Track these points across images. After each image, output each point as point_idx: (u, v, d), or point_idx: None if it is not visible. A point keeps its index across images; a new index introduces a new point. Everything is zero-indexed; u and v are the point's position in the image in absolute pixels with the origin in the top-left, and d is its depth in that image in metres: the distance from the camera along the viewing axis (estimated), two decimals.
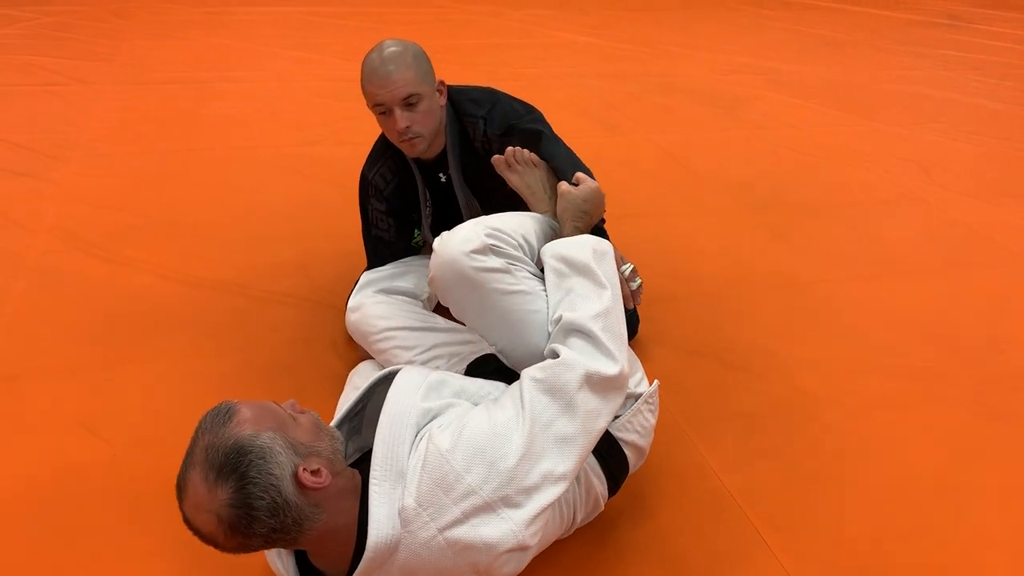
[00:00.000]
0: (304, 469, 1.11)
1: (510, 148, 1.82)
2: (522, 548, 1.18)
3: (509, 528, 1.16)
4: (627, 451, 1.51)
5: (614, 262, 1.50)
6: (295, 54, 4.57)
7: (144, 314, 2.20)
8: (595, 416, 1.28)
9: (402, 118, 1.80)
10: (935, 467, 1.82)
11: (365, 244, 2.13)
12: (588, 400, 1.27)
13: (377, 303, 1.93)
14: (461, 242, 1.48)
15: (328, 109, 3.77)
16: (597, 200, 1.67)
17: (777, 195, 3.19)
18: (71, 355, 2.02)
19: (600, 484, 1.48)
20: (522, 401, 1.25)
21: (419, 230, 2.15)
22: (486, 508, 1.16)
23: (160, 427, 1.81)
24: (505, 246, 1.51)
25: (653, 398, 1.57)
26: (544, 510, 1.20)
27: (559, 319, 1.38)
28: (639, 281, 1.70)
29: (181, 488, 1.10)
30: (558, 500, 1.27)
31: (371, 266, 2.09)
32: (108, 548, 1.51)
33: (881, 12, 6.70)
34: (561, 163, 1.81)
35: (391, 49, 1.79)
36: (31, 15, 4.92)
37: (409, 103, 1.80)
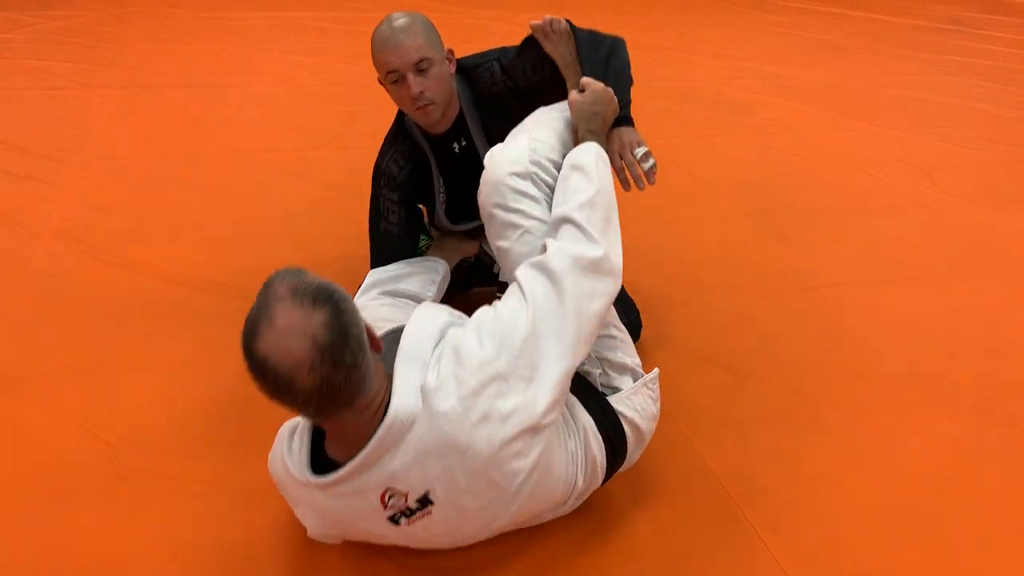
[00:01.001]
0: (367, 328, 1.22)
1: (548, 17, 1.85)
2: (534, 429, 1.27)
3: (523, 401, 1.27)
4: (626, 427, 1.55)
5: (607, 165, 1.60)
6: (298, 58, 4.58)
7: (147, 317, 2.20)
8: (587, 297, 1.37)
9: (415, 83, 1.83)
10: (937, 472, 1.82)
11: (372, 240, 2.13)
12: (578, 282, 1.37)
13: (381, 305, 1.94)
14: (509, 163, 1.58)
15: (331, 113, 3.78)
16: (605, 100, 1.70)
17: (781, 200, 3.19)
18: (74, 357, 2.03)
19: (598, 449, 1.50)
20: (522, 291, 1.36)
21: (432, 216, 2.15)
22: (501, 379, 1.26)
23: (161, 429, 1.81)
24: (543, 174, 1.58)
25: (653, 384, 1.61)
26: (555, 390, 1.29)
27: (555, 216, 1.49)
28: (652, 161, 1.74)
29: (260, 322, 1.12)
30: (561, 447, 1.40)
31: (375, 265, 2.09)
32: (108, 549, 1.51)
33: (883, 17, 6.70)
34: (583, 59, 1.83)
35: (400, 19, 1.83)
36: (35, 19, 4.93)
37: (421, 68, 1.83)
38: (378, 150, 2.14)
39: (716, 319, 2.37)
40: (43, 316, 2.18)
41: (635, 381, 1.60)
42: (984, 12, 7.13)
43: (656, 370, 1.64)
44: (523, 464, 1.29)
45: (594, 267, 1.40)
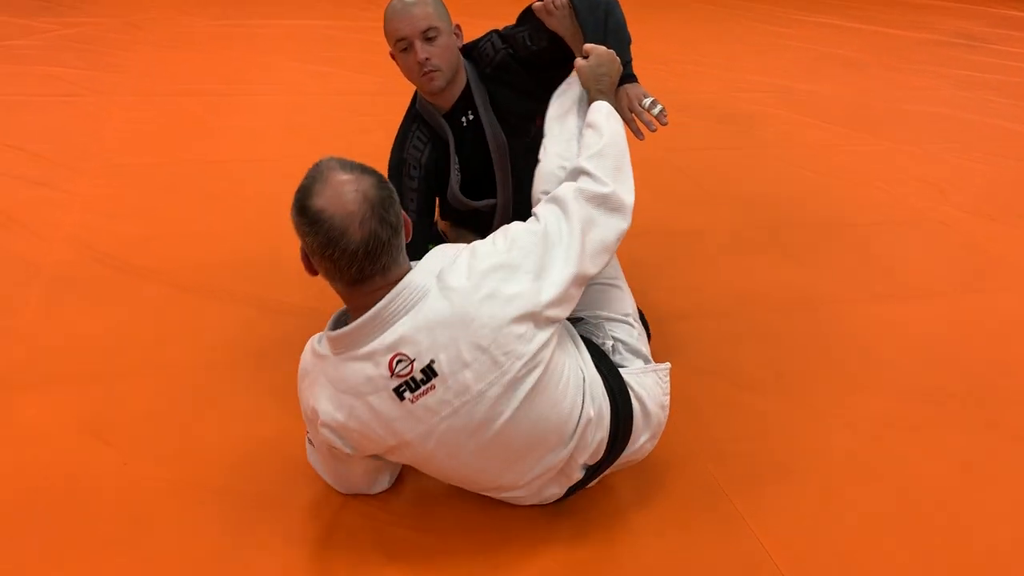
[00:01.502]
0: (403, 212, 1.40)
1: None
2: (535, 317, 1.39)
3: (528, 288, 1.40)
4: (632, 398, 1.59)
5: (618, 120, 1.73)
6: (311, 67, 4.60)
7: (158, 324, 2.21)
8: (593, 224, 1.52)
9: (422, 50, 1.94)
10: (945, 488, 1.81)
11: None
12: (584, 208, 1.52)
13: None
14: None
15: (343, 123, 3.79)
16: (608, 62, 1.82)
17: (790, 214, 3.18)
18: (85, 364, 2.04)
19: (605, 403, 1.53)
20: (535, 215, 1.53)
21: (447, 194, 2.21)
22: (508, 268, 1.41)
23: (171, 436, 1.82)
24: None
25: (663, 374, 1.68)
26: (561, 291, 1.42)
27: (570, 168, 1.64)
28: (660, 107, 1.88)
29: (316, 183, 1.32)
30: (568, 364, 1.49)
31: None
32: (117, 555, 1.52)
33: (896, 31, 6.69)
34: (584, 24, 1.93)
35: None
36: (49, 26, 4.97)
37: (428, 36, 1.94)
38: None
39: (723, 332, 2.36)
40: (54, 322, 2.19)
41: (645, 364, 1.68)
42: (998, 27, 7.11)
43: (667, 364, 1.69)
44: (524, 349, 1.38)
45: (600, 200, 1.54)
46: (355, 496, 1.67)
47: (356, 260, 1.31)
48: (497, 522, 1.63)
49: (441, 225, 2.40)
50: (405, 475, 1.72)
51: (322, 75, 4.48)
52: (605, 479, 1.71)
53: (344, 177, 1.32)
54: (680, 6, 7.02)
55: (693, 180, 3.41)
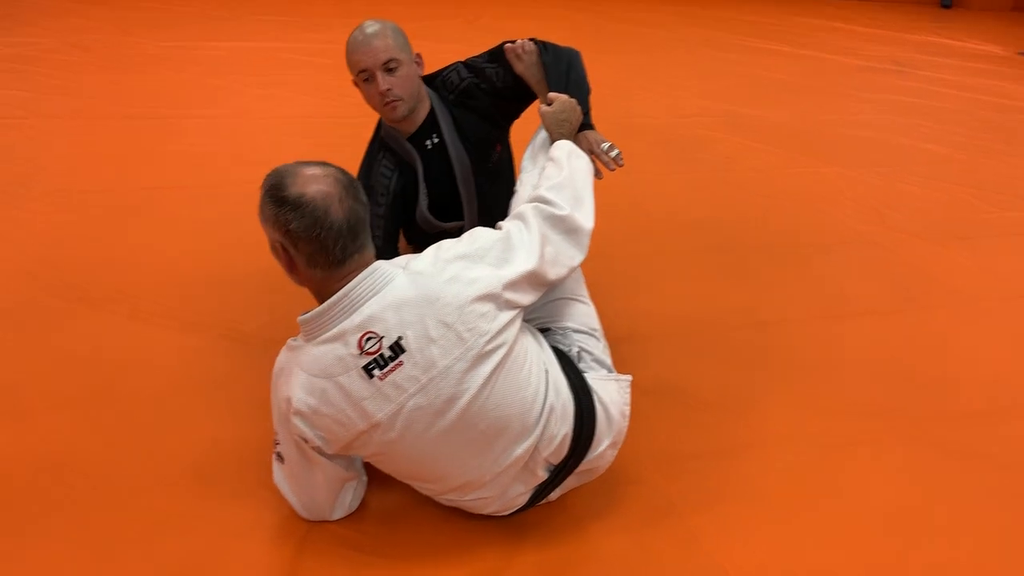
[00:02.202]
0: None
1: (519, 40, 2.10)
2: (495, 298, 1.50)
3: (490, 273, 1.52)
4: (595, 400, 1.66)
5: (580, 157, 1.88)
6: (260, 91, 4.59)
7: (114, 354, 2.19)
8: (547, 240, 1.64)
9: (383, 80, 2.01)
10: (890, 503, 1.88)
11: None
12: (542, 224, 1.65)
13: None
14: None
15: (295, 146, 3.78)
16: (570, 109, 1.96)
17: (736, 236, 3.28)
18: (42, 396, 2.01)
19: (568, 398, 1.60)
20: (499, 226, 1.65)
21: (416, 216, 2.25)
22: (471, 258, 1.53)
23: (134, 466, 1.81)
24: None
25: (624, 383, 1.76)
26: (518, 277, 1.54)
27: (531, 196, 1.75)
28: (617, 151, 2.01)
29: (286, 177, 1.42)
30: (532, 349, 1.59)
31: None
32: None
33: (834, 57, 6.93)
34: (549, 75, 2.08)
35: (372, 25, 2.02)
36: None
37: (389, 67, 2.01)
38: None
39: (673, 353, 2.42)
40: (6, 355, 2.15)
41: (608, 372, 1.78)
42: (925, 54, 7.41)
43: (629, 375, 1.77)
44: (488, 326, 1.48)
45: (557, 220, 1.67)
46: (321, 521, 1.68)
47: (341, 236, 1.42)
48: (464, 535, 1.67)
49: (404, 249, 2.43)
50: (368, 498, 1.74)
51: (271, 98, 4.47)
52: (564, 496, 1.75)
53: (311, 169, 1.44)
54: (625, 33, 7.18)
55: (639, 204, 3.49)
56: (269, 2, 6.99)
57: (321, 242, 1.41)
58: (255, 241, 2.78)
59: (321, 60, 5.28)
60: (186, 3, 6.64)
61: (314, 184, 1.41)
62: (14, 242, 2.71)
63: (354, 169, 2.24)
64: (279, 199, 1.41)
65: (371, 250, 1.50)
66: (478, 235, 1.61)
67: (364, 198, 1.48)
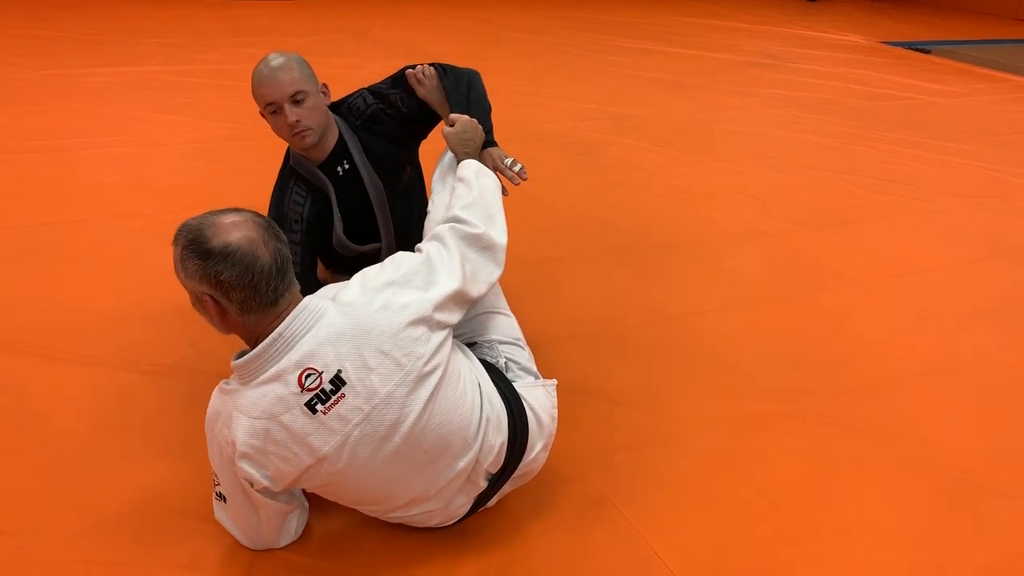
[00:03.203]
0: None
1: (420, 66, 2.20)
2: (427, 320, 1.56)
3: (419, 297, 1.58)
4: (527, 408, 1.75)
5: (487, 176, 1.96)
6: (155, 116, 4.50)
7: (32, 398, 2.16)
8: (469, 259, 1.72)
9: (292, 112, 2.05)
10: (797, 478, 2.05)
11: None
12: (460, 244, 1.73)
13: None
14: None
15: (198, 171, 3.76)
16: (471, 129, 2.08)
17: (637, 235, 3.44)
18: None
19: (501, 408, 1.70)
20: (418, 249, 1.73)
21: (332, 240, 2.30)
22: (398, 284, 1.59)
23: (65, 513, 1.80)
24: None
25: (550, 387, 1.87)
26: (445, 298, 1.61)
27: (444, 216, 1.83)
28: (520, 165, 2.13)
29: (205, 230, 1.43)
30: (464, 367, 1.68)
31: None
32: None
33: (711, 54, 7.24)
34: (450, 97, 2.18)
35: (276, 59, 2.06)
36: None
37: (296, 100, 2.05)
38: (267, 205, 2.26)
39: (591, 352, 2.55)
40: None
41: (535, 379, 1.89)
42: (796, 46, 7.84)
43: (554, 380, 1.88)
44: (423, 350, 1.54)
45: (473, 239, 1.75)
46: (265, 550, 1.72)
47: (272, 278, 1.45)
48: (408, 549, 1.74)
49: (322, 274, 2.47)
50: (311, 523, 1.79)
51: (168, 123, 4.40)
52: (502, 500, 1.84)
53: (227, 216, 1.46)
54: (516, 41, 7.31)
55: (545, 207, 3.62)
56: (151, 25, 6.82)
57: (254, 287, 1.43)
58: (164, 272, 2.78)
59: (213, 81, 5.21)
60: (60, 29, 6.42)
61: (235, 231, 1.43)
62: None
63: (265, 196, 2.28)
64: (204, 252, 1.41)
65: (297, 286, 1.53)
66: (401, 260, 1.67)
67: (283, 236, 1.52)
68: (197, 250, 1.42)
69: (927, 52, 7.97)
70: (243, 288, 1.43)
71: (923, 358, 2.63)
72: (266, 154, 3.82)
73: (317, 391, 1.47)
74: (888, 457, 2.15)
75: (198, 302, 1.50)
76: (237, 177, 3.67)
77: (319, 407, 1.47)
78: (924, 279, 3.19)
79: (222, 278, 1.42)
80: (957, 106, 5.93)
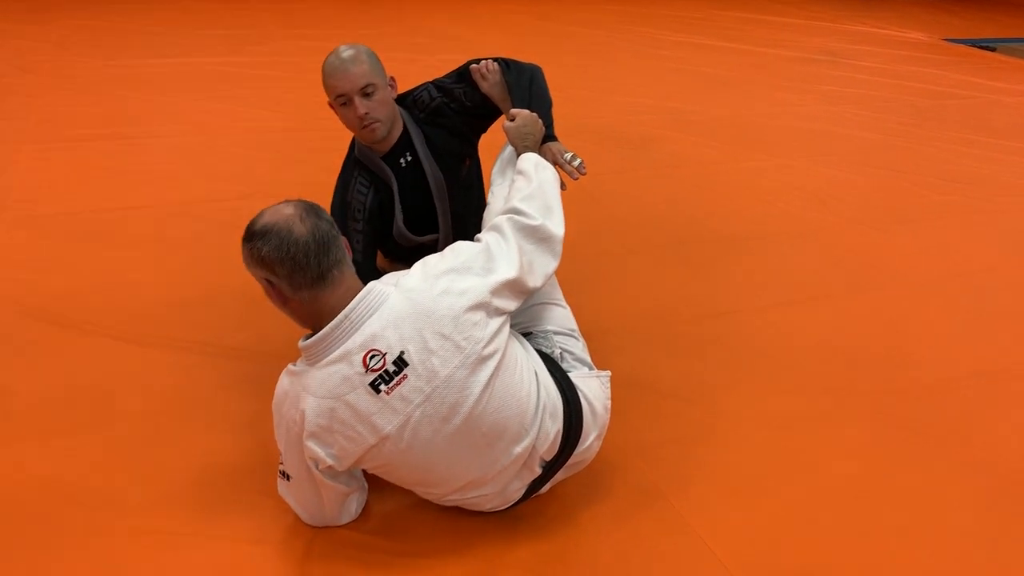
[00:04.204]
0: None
1: (484, 61, 2.23)
2: (485, 306, 1.60)
3: (478, 283, 1.62)
4: (581, 397, 1.77)
5: (546, 169, 1.97)
6: (212, 105, 4.60)
7: (102, 376, 2.24)
8: (527, 251, 1.75)
9: (361, 105, 2.09)
10: (855, 473, 2.05)
11: None
12: (518, 235, 1.76)
13: None
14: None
15: (255, 160, 3.83)
16: (531, 123, 2.08)
17: (689, 231, 3.43)
18: (36, 421, 2.05)
19: (557, 397, 1.72)
20: (477, 239, 1.76)
21: (392, 230, 2.35)
22: (458, 271, 1.63)
23: (136, 486, 1.86)
24: None
25: (604, 378, 1.88)
26: (502, 285, 1.64)
27: (503, 208, 1.85)
28: (580, 160, 2.12)
29: (257, 218, 1.53)
30: (522, 354, 1.71)
31: None
32: None
33: (765, 50, 7.16)
34: (512, 92, 2.21)
35: (348, 51, 2.10)
36: None
37: (366, 92, 2.09)
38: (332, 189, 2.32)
39: (641, 345, 2.56)
40: None
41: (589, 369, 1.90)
42: (855, 43, 7.70)
43: (608, 371, 1.89)
44: (481, 334, 1.57)
45: (531, 230, 1.77)
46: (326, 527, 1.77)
47: (310, 250, 1.50)
48: (463, 531, 1.78)
49: (381, 264, 2.51)
50: (370, 502, 1.83)
51: (226, 113, 4.49)
52: (555, 488, 1.87)
53: (275, 205, 1.56)
54: (569, 35, 7.31)
55: (598, 202, 3.63)
56: (209, 17, 6.95)
57: (293, 259, 1.50)
58: (226, 257, 2.86)
59: (270, 72, 5.30)
60: (125, 18, 6.58)
61: (275, 214, 1.53)
62: None
63: (319, 185, 2.33)
64: (248, 235, 1.53)
65: (350, 267, 1.59)
66: (461, 248, 1.70)
67: (328, 218, 1.57)
68: (246, 236, 1.54)
69: (992, 50, 7.78)
70: (283, 262, 1.50)
71: (981, 359, 2.59)
72: (320, 145, 3.91)
73: (381, 372, 1.52)
74: (943, 457, 2.12)
75: (265, 291, 1.58)
76: (293, 167, 3.74)
77: (382, 387, 1.52)
78: (983, 280, 3.13)
79: (263, 254, 1.50)
80: (1022, 105, 5.79)
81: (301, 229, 1.50)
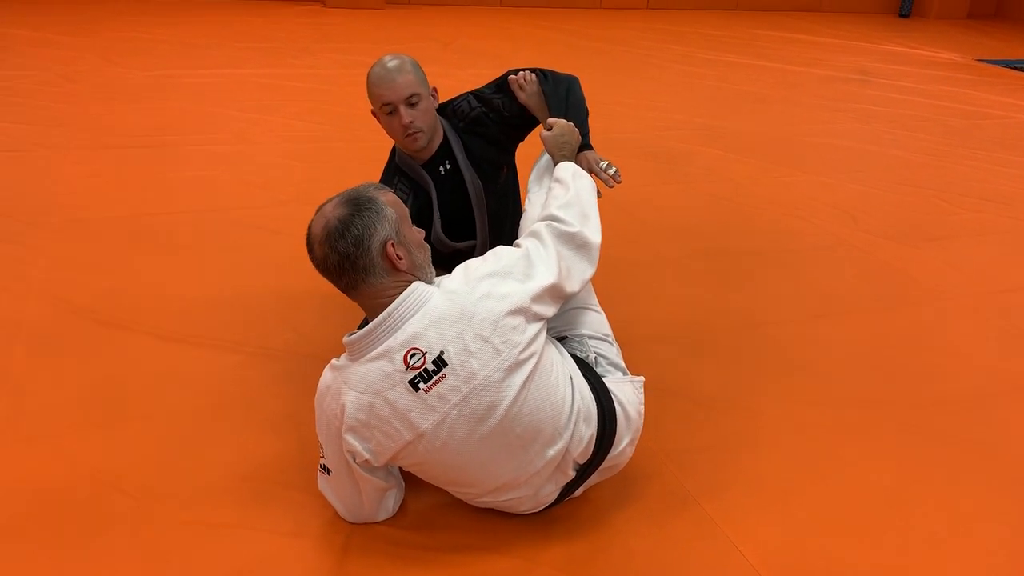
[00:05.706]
0: (392, 245, 1.61)
1: (522, 71, 2.29)
2: (524, 311, 1.63)
3: (518, 288, 1.65)
4: (615, 402, 1.79)
5: (583, 177, 2.00)
6: (251, 116, 4.70)
7: (146, 374, 2.30)
8: (565, 256, 1.78)
9: (406, 114, 2.14)
10: (886, 482, 2.05)
11: None
12: (556, 241, 1.79)
13: None
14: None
15: (292, 169, 3.91)
16: (568, 132, 2.12)
17: (722, 243, 3.45)
18: (83, 415, 2.11)
19: (591, 400, 1.74)
20: (517, 244, 1.80)
21: (429, 236, 2.36)
22: (499, 275, 1.66)
23: (180, 479, 1.91)
24: None
25: (638, 384, 1.90)
26: (542, 290, 1.67)
27: (541, 215, 1.89)
28: (615, 168, 2.18)
29: (317, 210, 1.63)
30: (557, 358, 1.73)
31: None
32: None
33: (798, 68, 7.18)
34: (549, 102, 2.26)
35: (392, 61, 2.16)
36: None
37: (411, 102, 2.15)
38: None
39: (675, 355, 2.58)
40: (44, 376, 2.25)
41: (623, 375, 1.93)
42: (888, 63, 7.70)
43: (642, 376, 1.92)
44: (519, 338, 1.61)
45: (569, 237, 1.81)
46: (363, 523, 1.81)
47: (333, 271, 1.61)
48: (497, 531, 1.81)
49: None
50: (407, 501, 1.87)
51: (263, 123, 4.58)
52: (587, 491, 1.89)
53: (327, 206, 1.63)
54: (600, 51, 7.38)
55: (631, 214, 3.66)
56: (248, 30, 7.10)
57: (326, 271, 1.63)
58: (263, 260, 2.94)
59: (307, 85, 5.40)
60: (166, 31, 6.74)
61: (315, 223, 1.63)
62: (40, 268, 2.81)
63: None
64: (313, 223, 1.65)
65: (377, 282, 1.60)
66: (501, 253, 1.74)
67: (344, 248, 1.57)
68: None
69: None
70: (322, 272, 1.64)
71: (1012, 375, 2.58)
72: (355, 156, 4.00)
73: (420, 370, 1.56)
74: (976, 470, 2.12)
75: None
76: (329, 176, 3.80)
77: (421, 385, 1.56)
78: (1016, 298, 3.12)
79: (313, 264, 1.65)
80: None
81: (317, 252, 1.61)
